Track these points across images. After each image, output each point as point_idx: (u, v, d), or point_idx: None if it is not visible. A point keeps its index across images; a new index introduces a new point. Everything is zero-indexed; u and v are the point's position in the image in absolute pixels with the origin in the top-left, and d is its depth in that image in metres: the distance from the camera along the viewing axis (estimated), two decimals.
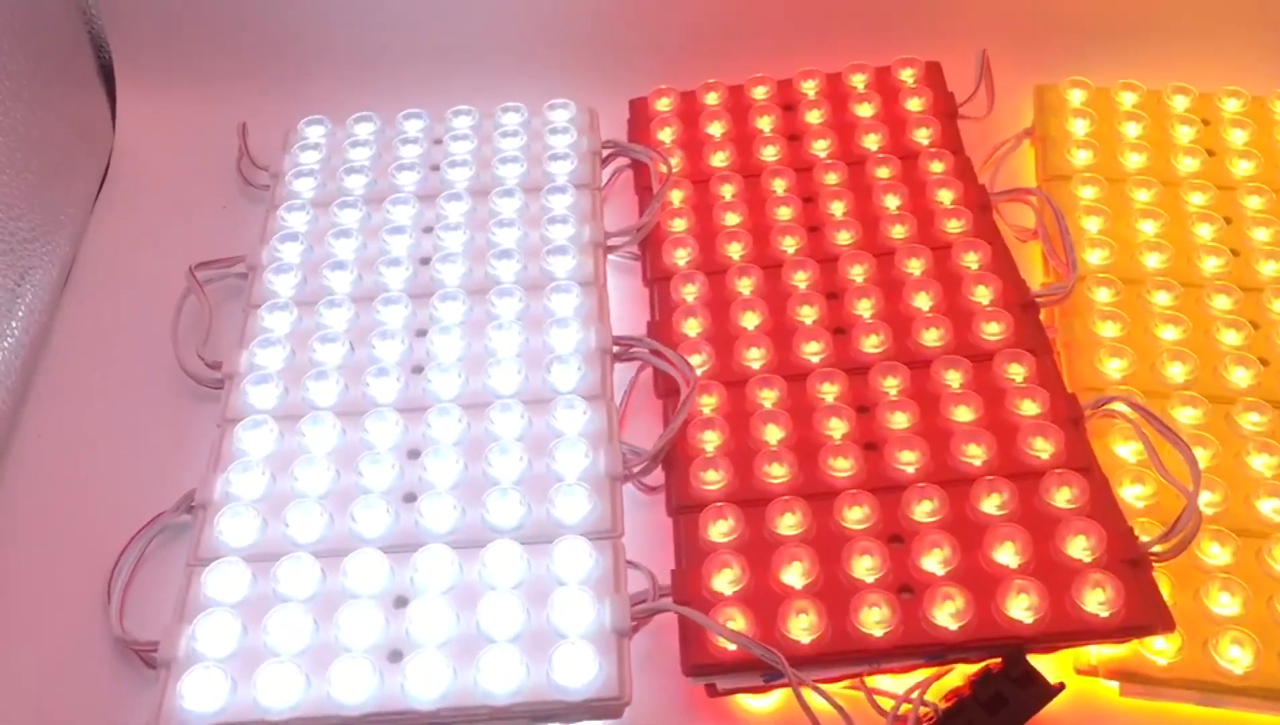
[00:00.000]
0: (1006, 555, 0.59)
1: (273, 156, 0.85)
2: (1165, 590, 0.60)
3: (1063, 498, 0.61)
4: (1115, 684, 0.59)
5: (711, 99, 0.87)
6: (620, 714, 0.56)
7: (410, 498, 0.63)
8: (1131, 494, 0.64)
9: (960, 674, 0.58)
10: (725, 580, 0.60)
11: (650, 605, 0.59)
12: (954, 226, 0.76)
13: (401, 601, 0.59)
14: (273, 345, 0.71)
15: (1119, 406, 0.65)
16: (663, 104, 0.88)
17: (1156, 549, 0.59)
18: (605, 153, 0.85)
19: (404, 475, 0.64)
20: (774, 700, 0.59)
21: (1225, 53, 0.91)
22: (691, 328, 0.73)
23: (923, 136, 0.82)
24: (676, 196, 0.81)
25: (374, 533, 0.61)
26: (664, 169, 0.81)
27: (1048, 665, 0.58)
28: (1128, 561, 0.58)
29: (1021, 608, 0.57)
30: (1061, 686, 0.56)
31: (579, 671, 0.56)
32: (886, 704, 0.57)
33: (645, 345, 0.71)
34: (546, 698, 0.55)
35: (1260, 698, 0.58)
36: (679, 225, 0.79)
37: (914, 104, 0.85)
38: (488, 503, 0.62)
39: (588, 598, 0.58)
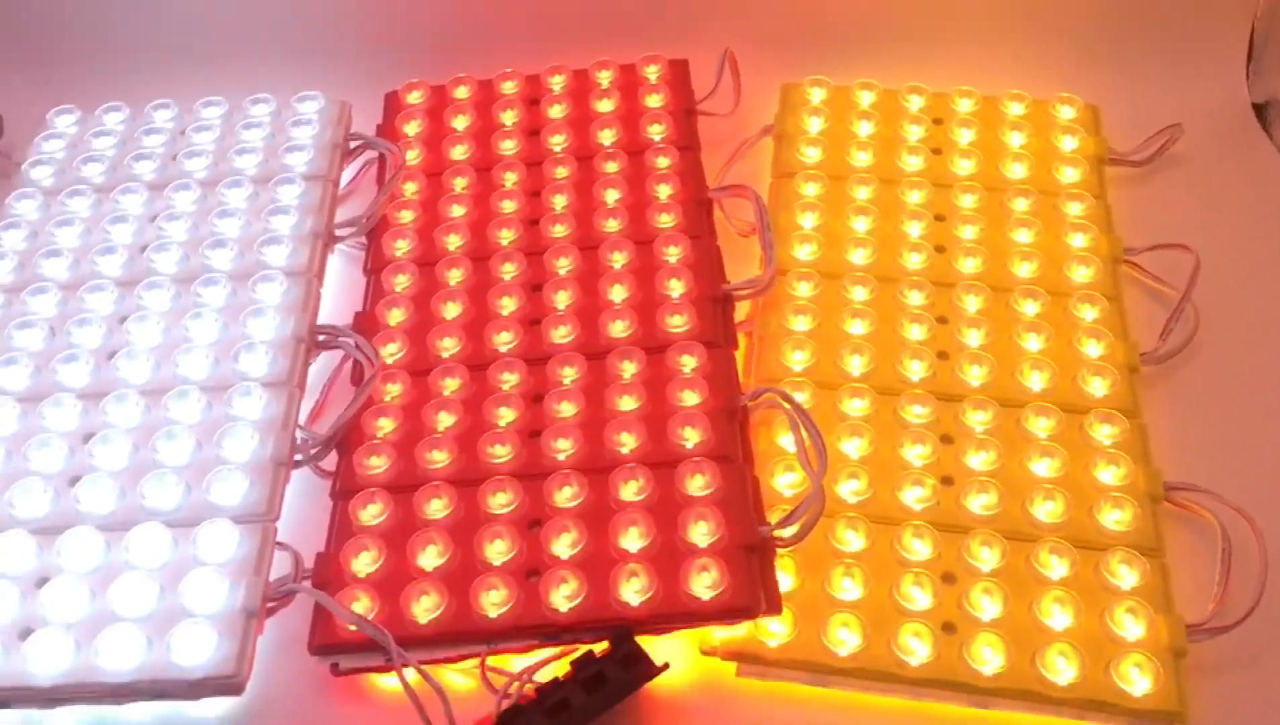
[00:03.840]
0: (631, 540, 0.61)
1: (27, 147, 0.86)
2: (790, 574, 0.62)
3: (695, 485, 0.63)
4: (733, 664, 0.61)
5: (461, 93, 0.89)
6: (239, 691, 0.58)
7: (74, 481, 0.64)
8: (784, 482, 0.67)
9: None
10: (363, 563, 0.62)
11: (286, 587, 0.61)
12: (664, 220, 0.78)
13: (43, 582, 0.60)
14: None
15: (775, 397, 0.67)
16: (414, 97, 0.89)
17: (782, 534, 0.61)
18: (354, 145, 0.86)
19: (72, 459, 0.65)
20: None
21: (967, 54, 0.93)
22: (394, 317, 0.75)
23: (655, 132, 0.84)
24: (410, 189, 0.83)
25: (29, 514, 0.63)
26: (398, 160, 0.82)
27: (674, 646, 0.61)
28: (745, 547, 0.61)
29: (632, 590, 0.59)
30: (665, 667, 0.58)
31: (199, 650, 0.57)
32: (501, 683, 0.59)
33: (347, 335, 0.73)
34: (165, 675, 0.57)
35: (863, 678, 0.60)
36: (405, 217, 0.81)
37: (653, 100, 0.87)
38: (143, 487, 0.63)
39: (220, 579, 0.60)
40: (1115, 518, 0.65)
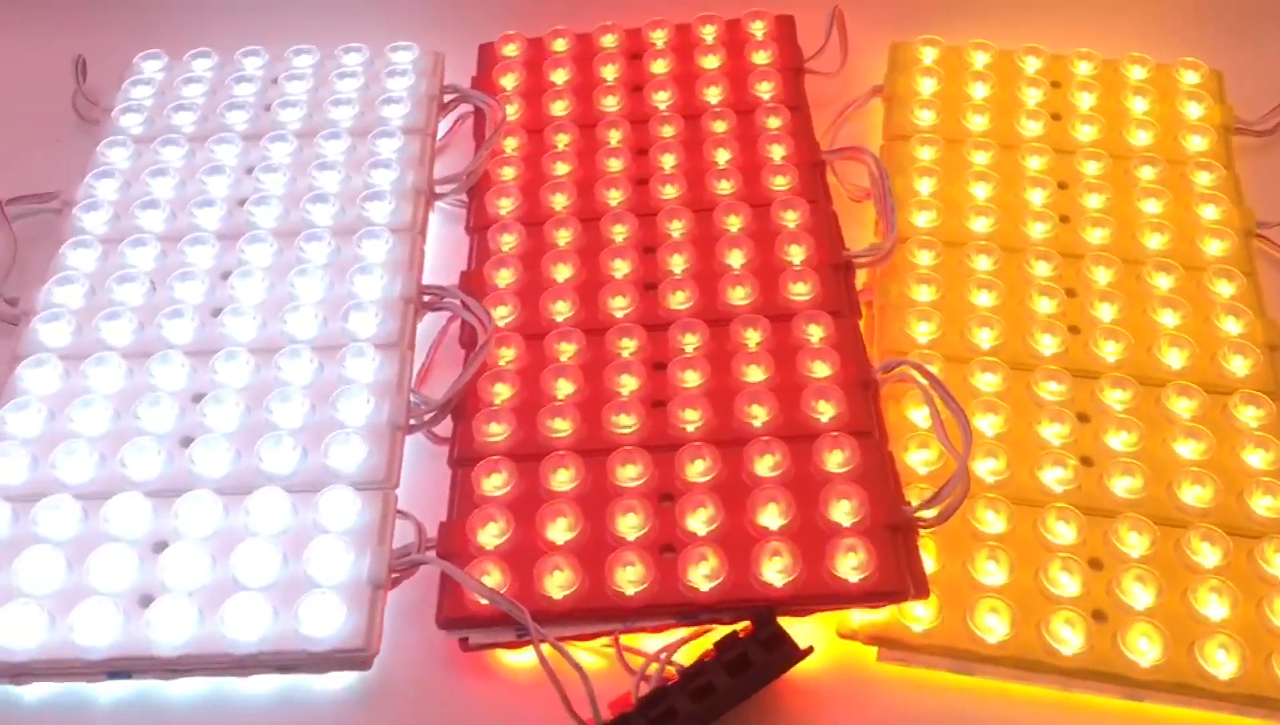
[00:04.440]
0: (770, 517, 0.59)
1: (113, 92, 0.83)
2: (931, 556, 0.60)
3: (834, 462, 0.60)
4: (874, 648, 0.59)
5: (559, 45, 0.86)
6: (368, 665, 0.56)
7: (187, 442, 0.62)
8: (918, 459, 0.64)
9: (721, 635, 0.58)
10: (490, 534, 0.59)
11: (411, 558, 0.58)
12: (779, 183, 0.75)
13: (161, 547, 0.58)
14: (71, 283, 0.70)
15: (909, 370, 0.64)
16: (510, 50, 0.86)
17: (925, 514, 0.59)
18: (448, 98, 0.83)
19: (184, 419, 0.63)
20: (531, 656, 0.58)
21: (1082, 15, 0.89)
22: (503, 278, 0.72)
23: (764, 91, 0.81)
24: (511, 145, 0.80)
25: (143, 476, 0.61)
26: (498, 116, 0.79)
27: (811, 629, 0.58)
28: (890, 527, 0.58)
29: (775, 570, 0.57)
30: (809, 650, 0.56)
31: (326, 622, 0.55)
32: (637, 662, 0.56)
33: (454, 295, 0.70)
34: (291, 647, 0.55)
35: (1012, 667, 0.57)
36: (508, 174, 0.78)
37: (760, 57, 0.83)
38: (260, 450, 0.61)
39: (344, 548, 0.57)
40: (1267, 504, 0.62)
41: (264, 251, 0.71)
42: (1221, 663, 0.57)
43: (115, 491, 0.60)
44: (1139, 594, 0.59)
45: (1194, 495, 0.62)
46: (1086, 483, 0.63)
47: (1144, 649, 0.57)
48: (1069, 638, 0.57)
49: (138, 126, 0.80)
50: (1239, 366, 0.68)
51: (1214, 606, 0.58)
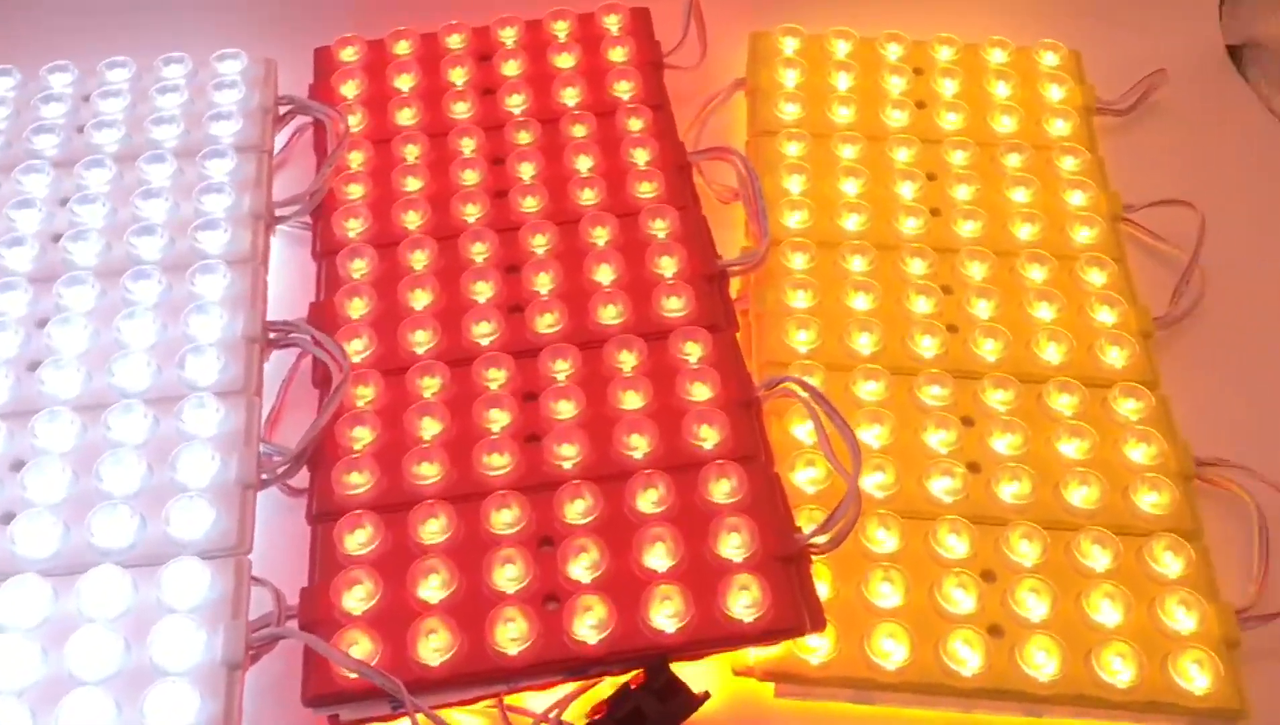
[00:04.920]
0: (657, 558, 0.56)
1: None
2: (826, 583, 0.58)
3: (721, 491, 0.58)
4: (770, 684, 0.56)
5: (402, 48, 0.80)
6: None
7: (8, 519, 0.56)
8: (804, 478, 0.62)
9: (611, 685, 0.55)
10: (356, 598, 0.55)
11: (269, 632, 0.54)
12: (646, 190, 0.72)
13: None
14: None
15: (792, 386, 0.62)
16: (348, 54, 0.80)
17: (817, 541, 0.56)
18: (283, 110, 0.77)
19: (1, 493, 0.57)
20: None
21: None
22: (356, 308, 0.67)
23: (623, 90, 0.77)
24: (356, 159, 0.75)
25: None
26: (340, 127, 0.74)
27: (704, 667, 0.56)
28: (781, 558, 0.56)
29: (665, 615, 0.54)
30: (706, 696, 0.53)
31: (176, 715, 0.50)
32: (523, 723, 0.53)
33: (303, 331, 0.65)
34: None
35: (913, 692, 0.56)
36: (355, 191, 0.73)
37: (616, 54, 0.80)
38: (92, 522, 0.55)
39: (195, 626, 0.52)
40: (1152, 500, 0.62)
41: (85, 294, 0.65)
42: (1118, 670, 0.56)
43: None
44: (1033, 605, 0.58)
45: (1080, 496, 0.61)
46: (974, 490, 0.62)
47: (1041, 663, 0.56)
48: (967, 657, 0.56)
49: None
50: (1115, 357, 0.67)
51: (1108, 612, 0.58)
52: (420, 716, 0.51)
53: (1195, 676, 0.56)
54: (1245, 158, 0.82)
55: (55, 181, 0.70)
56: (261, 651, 0.54)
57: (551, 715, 0.53)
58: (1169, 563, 0.59)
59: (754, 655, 0.56)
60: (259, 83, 0.77)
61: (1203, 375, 0.69)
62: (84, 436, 0.59)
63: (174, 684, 0.51)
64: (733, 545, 0.56)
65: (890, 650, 0.56)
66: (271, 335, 0.65)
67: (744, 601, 0.54)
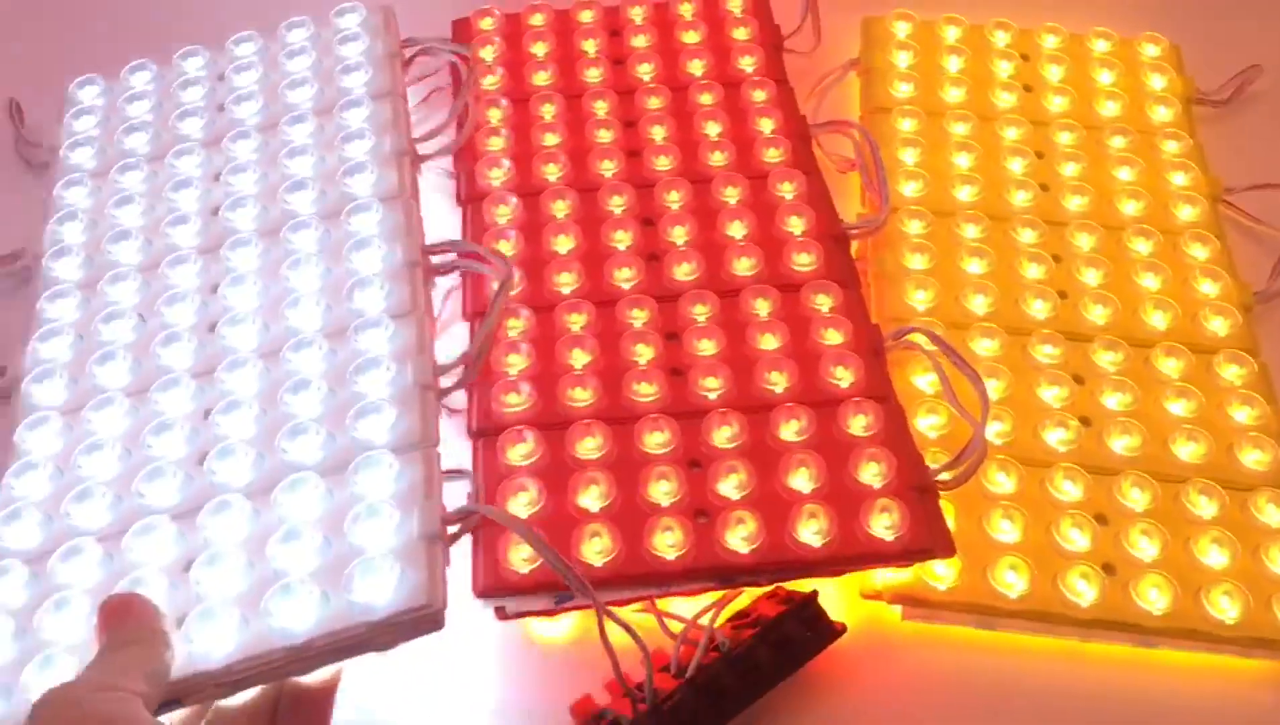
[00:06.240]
0: (801, 481, 0.60)
1: (50, 129, 0.78)
2: (950, 516, 0.61)
3: (858, 426, 0.62)
4: (898, 608, 0.60)
5: (537, 20, 0.85)
6: (440, 624, 0.52)
7: (204, 459, 0.60)
8: (926, 424, 0.66)
9: (749, 596, 0.59)
10: (521, 504, 0.59)
11: (467, 506, 0.56)
12: (772, 155, 0.76)
13: (190, 566, 0.55)
14: (57, 335, 0.66)
15: (918, 337, 0.66)
16: (485, 24, 0.85)
17: (943, 477, 0.60)
18: (409, 53, 0.79)
19: (197, 438, 0.60)
20: (563, 629, 0.59)
21: None
22: (504, 250, 0.71)
23: (747, 65, 0.82)
24: (495, 115, 0.79)
25: (163, 503, 0.58)
26: (472, 63, 0.78)
27: (835, 590, 0.60)
28: (916, 488, 0.59)
29: (811, 532, 0.58)
30: (844, 628, 0.58)
31: (381, 587, 0.52)
32: (676, 627, 0.57)
33: (461, 246, 0.68)
34: (347, 623, 0.52)
35: (1033, 620, 0.60)
36: (495, 144, 0.77)
37: (740, 33, 0.84)
38: (281, 443, 0.59)
39: (390, 509, 0.55)
40: (1255, 457, 0.65)
41: (250, 254, 0.68)
42: (1225, 608, 0.59)
43: (134, 525, 0.57)
44: (1145, 546, 0.61)
45: (1188, 452, 0.65)
46: (1087, 442, 0.66)
47: (1154, 599, 0.60)
48: (1084, 590, 0.60)
49: (90, 159, 0.75)
50: (1219, 326, 0.71)
51: (1215, 556, 0.61)
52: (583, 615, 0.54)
53: None
54: None
55: (207, 160, 0.73)
56: (462, 530, 0.56)
57: (702, 621, 0.56)
58: (1273, 514, 0.63)
59: (881, 580, 0.60)
60: (380, 31, 0.79)
61: None
62: (267, 377, 0.63)
63: (375, 562, 0.53)
64: (871, 473, 0.60)
65: (1012, 581, 0.60)
66: (434, 260, 0.68)
67: (885, 523, 0.58)
